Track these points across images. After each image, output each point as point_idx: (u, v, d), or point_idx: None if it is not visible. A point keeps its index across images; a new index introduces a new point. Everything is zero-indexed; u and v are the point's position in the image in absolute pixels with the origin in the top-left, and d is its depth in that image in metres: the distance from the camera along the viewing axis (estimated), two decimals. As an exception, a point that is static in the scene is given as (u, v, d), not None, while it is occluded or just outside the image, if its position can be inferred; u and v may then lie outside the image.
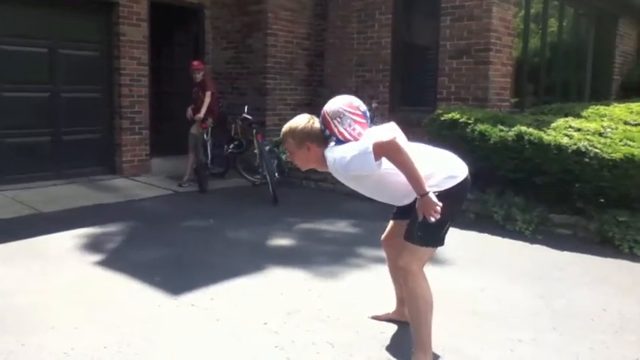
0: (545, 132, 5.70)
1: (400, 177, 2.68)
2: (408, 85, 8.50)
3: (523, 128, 5.72)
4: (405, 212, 2.96)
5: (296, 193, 7.26)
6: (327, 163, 2.82)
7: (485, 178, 6.08)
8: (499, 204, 5.80)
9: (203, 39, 9.02)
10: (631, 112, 7.27)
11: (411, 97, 8.45)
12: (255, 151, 7.13)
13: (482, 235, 5.48)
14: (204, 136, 7.47)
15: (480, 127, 5.94)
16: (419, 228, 2.81)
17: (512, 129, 5.76)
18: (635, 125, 6.33)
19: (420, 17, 8.45)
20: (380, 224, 5.73)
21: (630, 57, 13.01)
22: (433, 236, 2.87)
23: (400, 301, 3.36)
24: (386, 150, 2.60)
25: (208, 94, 7.41)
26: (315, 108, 9.09)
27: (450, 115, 6.24)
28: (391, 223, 3.32)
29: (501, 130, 5.81)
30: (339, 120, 2.80)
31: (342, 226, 5.76)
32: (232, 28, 8.78)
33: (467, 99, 7.60)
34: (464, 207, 6.11)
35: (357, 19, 8.70)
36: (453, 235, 5.45)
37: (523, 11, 8.78)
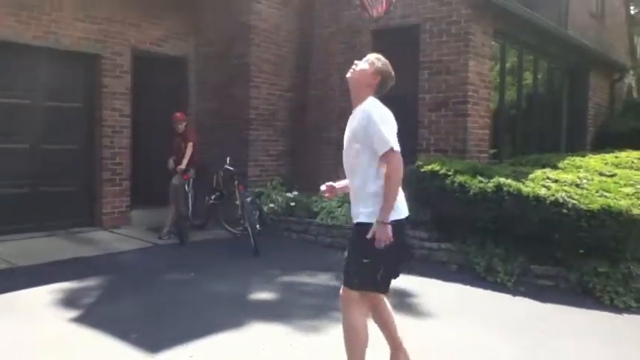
0: (523, 183, 5.79)
1: (375, 185, 2.85)
2: (389, 136, 8.61)
3: (502, 179, 5.81)
4: None
5: (278, 245, 7.21)
6: (373, 104, 2.96)
7: (466, 229, 6.13)
8: (480, 255, 5.82)
9: (186, 90, 9.11)
10: (606, 164, 7.46)
11: (392, 148, 8.54)
12: (237, 202, 7.11)
13: (464, 286, 5.47)
14: (186, 187, 7.45)
15: (460, 178, 6.01)
16: (356, 273, 2.92)
17: (492, 180, 5.84)
18: (610, 176, 6.46)
19: (399, 71, 8.50)
20: (362, 276, 5.73)
21: (603, 108, 13.40)
22: (369, 281, 2.94)
23: (394, 348, 3.27)
24: (397, 162, 2.79)
25: (190, 145, 7.44)
26: (297, 158, 9.21)
27: (430, 167, 6.32)
28: None
29: (481, 182, 5.88)
30: None
31: (324, 279, 5.71)
32: (216, 80, 8.89)
33: (446, 150, 7.72)
34: (445, 258, 6.16)
35: (338, 72, 8.88)
36: (436, 286, 5.49)
37: (499, 65, 9.04)
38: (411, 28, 8.09)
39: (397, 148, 2.81)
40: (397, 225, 2.87)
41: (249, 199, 7.06)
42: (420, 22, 7.99)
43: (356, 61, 3.13)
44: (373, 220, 2.84)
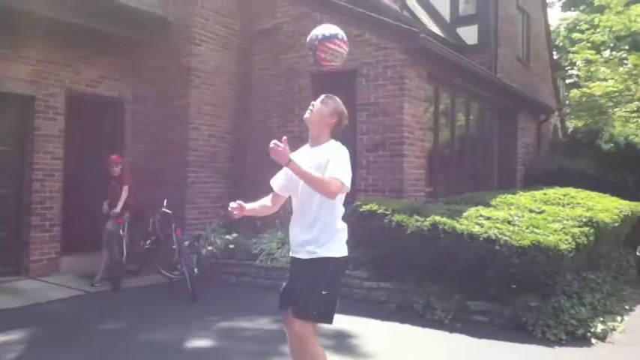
0: (458, 221, 5.95)
1: (332, 217, 3.04)
2: (328, 177, 8.70)
3: (437, 218, 5.95)
4: (289, 295, 3.15)
5: (216, 289, 7.07)
6: (337, 144, 3.13)
7: (405, 268, 6.22)
8: (418, 293, 5.90)
9: (122, 132, 8.95)
10: (535, 200, 7.78)
11: (331, 188, 8.62)
12: (174, 246, 6.95)
13: (403, 325, 5.51)
14: (120, 231, 7.24)
15: (397, 217, 6.12)
16: (315, 306, 2.96)
17: (428, 219, 5.97)
18: (539, 213, 6.74)
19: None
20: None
21: (531, 148, 14.04)
22: (328, 310, 3.03)
23: None
24: (337, 185, 2.90)
25: (126, 188, 7.27)
26: (237, 200, 9.11)
27: (368, 207, 6.41)
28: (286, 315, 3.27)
29: (417, 220, 6.00)
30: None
31: (263, 323, 5.62)
32: (153, 122, 8.79)
33: (384, 190, 7.86)
34: (384, 297, 6.21)
35: (277, 114, 8.97)
36: (375, 326, 5.50)
37: (433, 107, 9.37)
38: (348, 71, 8.30)
39: (347, 183, 2.95)
40: (343, 260, 3.08)
41: (186, 243, 6.92)
42: (358, 67, 8.21)
43: (313, 102, 3.23)
44: (329, 254, 3.01)
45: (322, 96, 3.26)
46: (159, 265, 7.38)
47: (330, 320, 3.07)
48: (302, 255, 3.11)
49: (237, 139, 9.24)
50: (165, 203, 7.21)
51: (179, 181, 8.42)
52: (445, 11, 13.43)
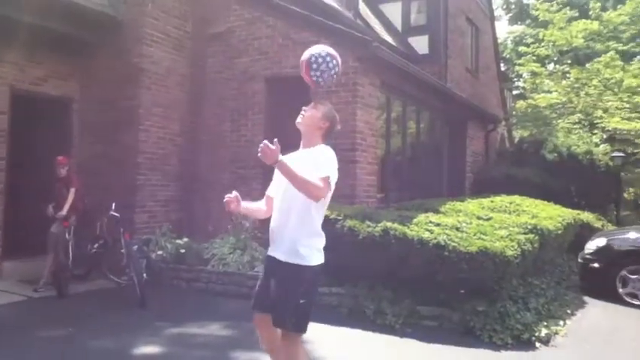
0: (408, 227, 6.03)
1: (313, 223, 3.06)
2: (281, 182, 8.69)
3: (389, 224, 6.03)
4: (263, 299, 3.12)
5: (166, 294, 6.94)
6: (327, 148, 3.12)
7: (357, 273, 6.26)
8: (370, 298, 5.95)
9: (70, 133, 8.68)
10: (482, 208, 7.99)
11: (284, 193, 8.62)
12: (123, 250, 6.77)
13: (354, 330, 5.54)
14: (66, 235, 7.00)
15: (349, 222, 6.16)
16: (292, 314, 2.94)
17: (379, 224, 6.04)
18: (487, 220, 6.90)
19: (291, 118, 8.78)
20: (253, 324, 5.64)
21: (480, 157, 14.44)
22: (305, 320, 3.02)
23: None
24: (323, 186, 2.91)
25: (72, 190, 7.05)
26: (186, 204, 9.02)
27: (320, 212, 6.41)
28: (256, 313, 3.25)
29: (369, 226, 6.06)
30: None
31: (214, 329, 5.56)
32: (102, 123, 8.55)
33: (336, 196, 7.88)
34: (336, 302, 6.24)
35: (231, 118, 8.91)
36: (327, 331, 5.52)
37: (385, 114, 9.51)
38: (301, 77, 8.31)
39: (333, 185, 2.98)
40: (321, 267, 3.09)
41: (135, 247, 6.76)
42: (311, 72, 8.24)
43: (304, 107, 3.25)
44: (306, 262, 2.99)
45: (313, 102, 3.28)
46: (107, 269, 7.18)
47: (305, 330, 3.05)
48: (279, 255, 3.08)
49: (189, 142, 9.11)
50: (113, 206, 7.02)
51: (128, 184, 8.23)
52: (397, 21, 13.69)
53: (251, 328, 5.52)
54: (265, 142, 2.90)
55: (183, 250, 7.50)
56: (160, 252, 7.55)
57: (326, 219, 6.19)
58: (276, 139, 2.99)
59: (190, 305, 6.56)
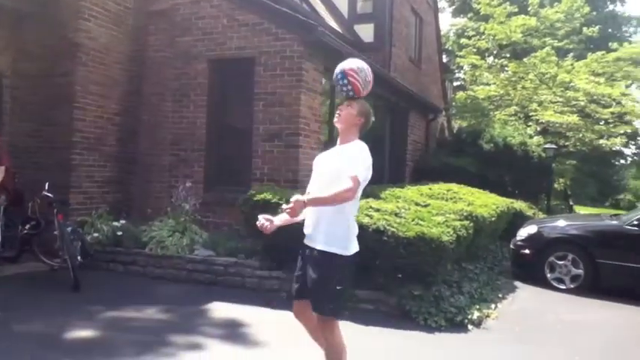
0: (349, 213, 6.10)
1: (344, 214, 3.19)
2: (223, 165, 8.61)
3: (330, 209, 6.07)
4: (302, 287, 3.35)
5: (102, 278, 6.77)
6: (360, 144, 3.27)
7: (297, 257, 6.29)
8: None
9: (0, 109, 8.27)
10: (421, 195, 8.17)
11: (226, 177, 8.55)
12: (56, 232, 6.54)
13: (289, 313, 5.56)
14: (-5, 215, 6.70)
15: (291, 207, 6.16)
16: (330, 300, 3.15)
17: (320, 210, 6.07)
18: (425, 206, 7.09)
19: (234, 101, 8.73)
20: (193, 309, 5.62)
21: (420, 145, 14.74)
22: (342, 304, 3.29)
23: None
24: (351, 187, 3.05)
25: (2, 168, 6.71)
26: (126, 186, 8.80)
27: (262, 196, 6.42)
28: (294, 302, 3.51)
29: (310, 211, 6.09)
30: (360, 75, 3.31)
31: (151, 313, 5.47)
32: (35, 100, 8.18)
33: (279, 180, 7.90)
34: (277, 286, 6.27)
35: (173, 98, 8.71)
36: (266, 314, 5.55)
37: (329, 101, 9.54)
38: (246, 59, 8.24)
39: (363, 182, 3.14)
40: (353, 256, 3.25)
41: (69, 229, 6.53)
42: (256, 55, 8.17)
43: (340, 107, 3.39)
44: (346, 251, 3.19)
45: (348, 101, 3.39)
46: (39, 252, 6.90)
47: (341, 314, 3.30)
48: (316, 245, 3.25)
49: (128, 122, 8.85)
50: (46, 186, 6.75)
51: (63, 164, 7.93)
52: (344, 8, 13.70)
53: (188, 312, 5.51)
54: (287, 206, 3.11)
55: (120, 233, 7.32)
56: (95, 234, 7.34)
57: (267, 203, 6.27)
58: (268, 216, 3.33)
59: (127, 289, 6.43)
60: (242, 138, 8.37)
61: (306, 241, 3.35)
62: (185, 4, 8.67)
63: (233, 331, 5.00)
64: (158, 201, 8.40)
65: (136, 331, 4.92)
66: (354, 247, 3.28)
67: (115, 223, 7.51)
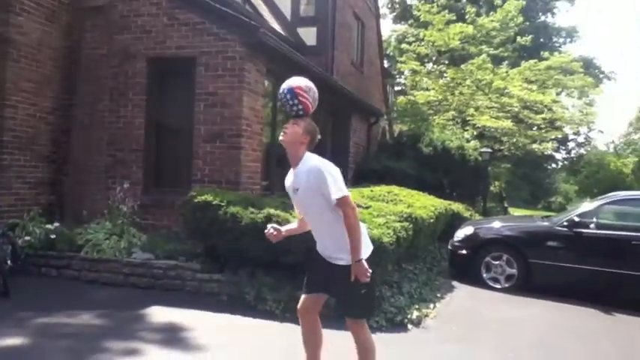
0: (292, 214, 6.09)
1: (339, 226, 3.23)
2: (163, 167, 8.43)
3: (272, 210, 6.06)
4: (317, 284, 3.48)
5: (33, 283, 6.47)
6: (315, 159, 3.35)
7: (237, 260, 6.24)
8: (250, 285, 5.96)
9: None
10: (363, 197, 8.26)
11: (166, 179, 8.38)
12: (-16, 235, 6.23)
13: (234, 316, 5.53)
14: None
15: (232, 209, 6.11)
16: (358, 304, 3.32)
17: (262, 211, 6.06)
18: (366, 208, 7.16)
19: (175, 100, 8.55)
20: (130, 313, 5.46)
21: (362, 148, 14.92)
22: (371, 304, 3.47)
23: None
24: (352, 206, 3.22)
25: None
26: (60, 187, 8.47)
27: (203, 198, 6.31)
28: (304, 296, 3.59)
29: (252, 213, 6.06)
30: (310, 94, 3.39)
31: (86, 318, 5.28)
32: (-40, 96, 7.78)
33: (220, 182, 7.81)
34: (217, 289, 6.19)
35: (109, 97, 8.45)
36: (207, 318, 5.47)
37: (271, 102, 9.51)
38: (186, 59, 8.11)
39: (348, 193, 3.26)
40: (370, 258, 3.33)
41: (-1, 232, 6.25)
42: (196, 55, 8.05)
43: (285, 125, 3.43)
44: (365, 256, 3.27)
45: (293, 118, 3.44)
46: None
47: (371, 313, 3.55)
48: (329, 259, 3.40)
49: (62, 121, 8.52)
50: (-27, 188, 6.43)
51: (-8, 164, 7.56)
52: (287, 10, 13.70)
53: (125, 317, 5.36)
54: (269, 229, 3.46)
55: (53, 236, 7.02)
56: (27, 238, 7.01)
57: (208, 205, 6.19)
58: (276, 226, 3.53)
59: (60, 294, 6.18)
60: (182, 139, 8.22)
61: (319, 250, 3.50)
62: (123, 0, 8.43)
63: (172, 336, 4.90)
64: (94, 203, 8.13)
65: (69, 337, 4.74)
66: (367, 251, 3.36)
67: (49, 226, 7.20)
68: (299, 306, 3.61)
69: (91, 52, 8.56)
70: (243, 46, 7.90)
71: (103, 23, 8.52)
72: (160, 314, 5.48)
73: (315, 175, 3.27)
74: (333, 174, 3.26)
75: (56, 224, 7.30)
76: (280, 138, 3.43)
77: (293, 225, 3.68)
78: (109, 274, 6.59)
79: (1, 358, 4.21)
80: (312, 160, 3.34)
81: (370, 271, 3.22)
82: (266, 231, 3.51)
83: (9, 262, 6.15)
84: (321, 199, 3.25)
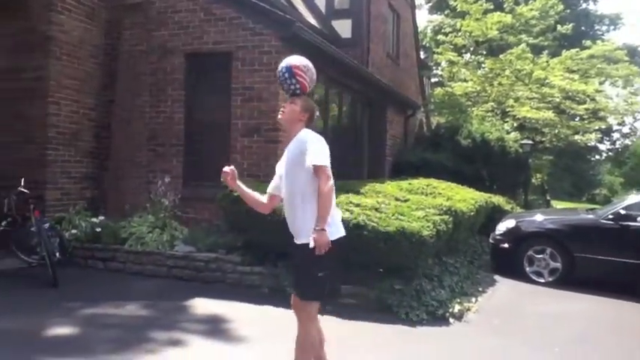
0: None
1: (312, 207, 3.19)
2: (202, 161, 8.52)
3: (310, 204, 6.05)
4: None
5: (80, 275, 6.66)
6: (307, 131, 3.33)
7: (277, 253, 6.27)
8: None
9: (-30, 104, 8.08)
10: (401, 189, 8.20)
11: (205, 173, 8.45)
12: (33, 228, 6.41)
13: (275, 309, 5.56)
14: (-31, 212, 6.55)
15: (272, 202, 6.12)
16: (311, 287, 3.25)
17: (301, 204, 6.05)
18: (404, 201, 7.11)
19: (212, 95, 8.63)
20: (173, 305, 5.56)
21: (398, 140, 14.80)
22: (322, 289, 3.27)
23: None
24: (326, 175, 3.18)
25: (-25, 165, 6.58)
26: (102, 182, 8.65)
27: (242, 191, 6.34)
28: (293, 294, 3.51)
29: (291, 206, 6.06)
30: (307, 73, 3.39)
31: (131, 309, 5.40)
32: (8, 95, 7.98)
33: (258, 175, 7.84)
34: (258, 281, 6.24)
35: (149, 93, 8.60)
36: (248, 310, 5.52)
37: (307, 96, 9.49)
38: (223, 54, 8.18)
39: (327, 164, 3.22)
40: (341, 241, 3.29)
41: (47, 225, 6.42)
42: (233, 50, 8.10)
43: (283, 104, 3.44)
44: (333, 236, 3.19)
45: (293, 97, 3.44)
46: (16, 248, 6.76)
47: (321, 297, 3.35)
48: (296, 239, 3.36)
49: (104, 117, 8.72)
50: (22, 182, 6.62)
51: (38, 160, 7.78)
52: (321, 3, 13.66)
53: (168, 308, 5.45)
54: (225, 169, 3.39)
55: (98, 229, 7.21)
56: (74, 231, 7.21)
57: (248, 198, 6.18)
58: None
59: (106, 285, 6.34)
60: (221, 133, 8.30)
61: (291, 238, 3.43)
62: (161, -3, 8.55)
63: (214, 327, 4.96)
64: (136, 197, 8.29)
65: (115, 327, 4.85)
66: (337, 233, 3.28)
67: (94, 220, 7.39)
68: (292, 301, 3.53)
69: (131, 49, 8.72)
70: (279, 40, 7.92)
71: (141, 20, 8.65)
72: (201, 306, 5.56)
73: (300, 142, 3.30)
74: (317, 144, 3.26)
75: (101, 217, 7.48)
76: (279, 117, 3.46)
77: (253, 193, 3.60)
78: (153, 267, 6.73)
79: (51, 346, 4.33)
80: (301, 133, 3.36)
81: (329, 244, 3.12)
82: (224, 169, 3.44)
83: (57, 254, 6.33)
84: (303, 174, 3.24)
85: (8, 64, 7.92)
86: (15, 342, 4.34)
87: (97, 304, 5.46)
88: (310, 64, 3.47)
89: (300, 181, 3.27)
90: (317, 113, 3.52)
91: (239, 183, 3.52)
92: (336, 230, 3.28)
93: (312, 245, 3.11)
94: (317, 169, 3.19)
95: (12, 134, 7.88)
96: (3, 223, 6.79)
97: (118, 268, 6.87)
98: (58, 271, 6.08)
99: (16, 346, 4.24)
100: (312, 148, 3.22)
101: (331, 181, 3.22)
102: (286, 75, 3.39)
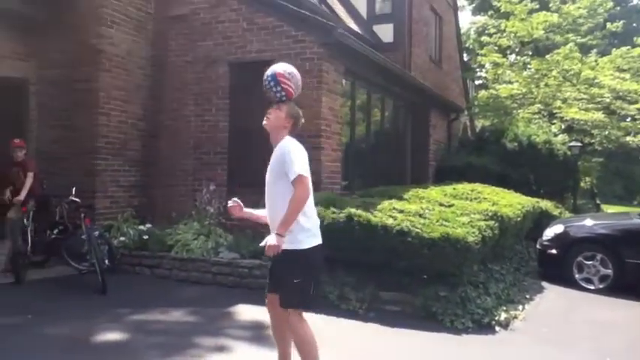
0: (372, 213, 6.08)
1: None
2: (246, 168, 8.61)
3: (353, 210, 6.05)
4: (272, 279, 3.45)
5: (128, 281, 6.84)
6: (288, 140, 3.40)
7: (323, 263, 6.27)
8: (333, 284, 5.98)
9: (26, 115, 8.42)
10: (445, 195, 8.10)
11: (249, 180, 8.55)
12: (83, 236, 6.62)
13: (318, 315, 5.50)
14: (24, 220, 6.80)
15: (314, 209, 6.15)
16: (292, 294, 3.25)
17: (343, 211, 6.06)
18: (449, 206, 7.02)
19: (255, 102, 8.73)
20: (218, 311, 5.64)
21: (442, 145, 14.63)
22: (305, 297, 3.30)
23: (282, 356, 3.62)
24: (303, 186, 3.21)
25: (30, 174, 6.84)
26: (149, 190, 8.87)
27: (285, 198, 6.39)
28: (267, 295, 3.55)
29: (333, 212, 6.08)
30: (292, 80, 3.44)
31: (177, 315, 5.51)
32: (60, 106, 8.32)
33: (301, 182, 7.88)
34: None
35: (194, 102, 8.78)
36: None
37: (350, 101, 9.52)
38: (266, 62, 8.22)
39: (306, 174, 3.25)
40: (317, 249, 3.33)
41: (96, 233, 6.63)
42: (275, 58, 8.14)
43: (269, 110, 3.49)
44: (297, 246, 3.25)
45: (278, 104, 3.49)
46: (67, 256, 6.99)
47: (304, 306, 3.36)
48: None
49: (151, 126, 8.96)
50: (73, 191, 6.86)
51: (88, 169, 8.06)
52: (362, 8, 13.68)
53: (214, 314, 5.53)
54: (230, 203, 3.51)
55: (146, 237, 7.39)
56: (122, 238, 7.42)
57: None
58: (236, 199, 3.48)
59: (153, 292, 6.48)
60: (263, 140, 8.35)
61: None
62: (205, 8, 8.73)
63: (258, 333, 5.00)
64: (182, 204, 8.46)
65: (162, 333, 4.96)
66: (312, 241, 3.32)
67: (141, 227, 7.59)
68: (266, 301, 3.56)
69: (176, 60, 8.93)
70: (321, 46, 7.96)
71: (186, 31, 8.86)
72: (246, 312, 5.62)
73: (281, 153, 3.34)
74: (295, 153, 3.29)
75: (148, 225, 7.66)
76: (264, 123, 3.49)
77: (258, 211, 3.63)
78: (198, 273, 6.85)
79: (99, 351, 4.46)
80: (283, 141, 3.39)
81: (280, 249, 3.15)
82: (228, 204, 3.55)
83: (106, 261, 6.52)
84: (284, 181, 3.27)
85: (61, 77, 8.23)
86: (65, 347, 4.49)
87: (144, 311, 5.59)
88: (295, 71, 3.51)
89: (281, 190, 3.30)
90: (302, 120, 3.57)
91: (247, 210, 3.61)
92: (312, 237, 3.32)
93: (263, 244, 3.21)
94: (295, 181, 3.22)
95: (64, 145, 8.18)
96: (55, 232, 7.05)
97: (164, 274, 7.02)
98: (107, 278, 6.25)
99: (66, 351, 4.38)
100: (290, 158, 3.27)
101: (308, 191, 3.28)
102: (272, 83, 3.45)
